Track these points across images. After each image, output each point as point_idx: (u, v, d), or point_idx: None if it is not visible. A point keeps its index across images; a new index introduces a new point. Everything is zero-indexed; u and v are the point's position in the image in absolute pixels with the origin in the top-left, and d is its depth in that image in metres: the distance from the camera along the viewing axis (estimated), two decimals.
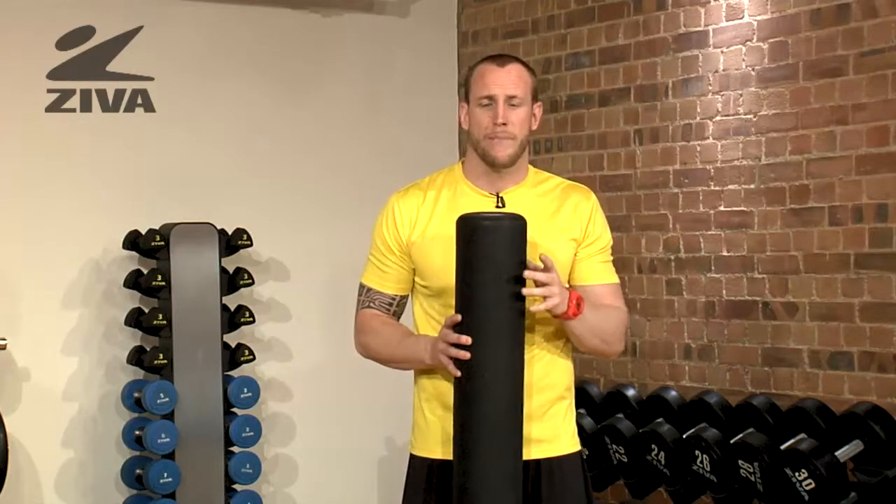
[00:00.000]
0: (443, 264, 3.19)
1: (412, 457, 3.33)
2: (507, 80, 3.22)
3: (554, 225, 3.26)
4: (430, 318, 3.28)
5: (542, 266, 3.07)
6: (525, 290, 3.04)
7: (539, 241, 3.20)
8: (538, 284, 3.07)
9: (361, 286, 3.37)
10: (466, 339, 3.04)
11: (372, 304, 3.34)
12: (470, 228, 3.06)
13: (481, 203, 3.26)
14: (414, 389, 3.34)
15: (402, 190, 3.36)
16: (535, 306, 3.07)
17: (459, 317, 3.06)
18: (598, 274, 3.30)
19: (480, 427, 3.05)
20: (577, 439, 3.33)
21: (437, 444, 3.26)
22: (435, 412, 3.26)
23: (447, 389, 3.20)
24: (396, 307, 3.35)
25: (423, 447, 3.30)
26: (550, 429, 3.24)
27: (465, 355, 3.05)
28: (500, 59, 3.29)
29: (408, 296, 3.36)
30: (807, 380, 4.96)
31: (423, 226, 3.27)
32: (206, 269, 5.53)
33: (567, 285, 3.26)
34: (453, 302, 3.13)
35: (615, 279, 3.34)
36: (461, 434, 3.09)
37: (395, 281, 3.32)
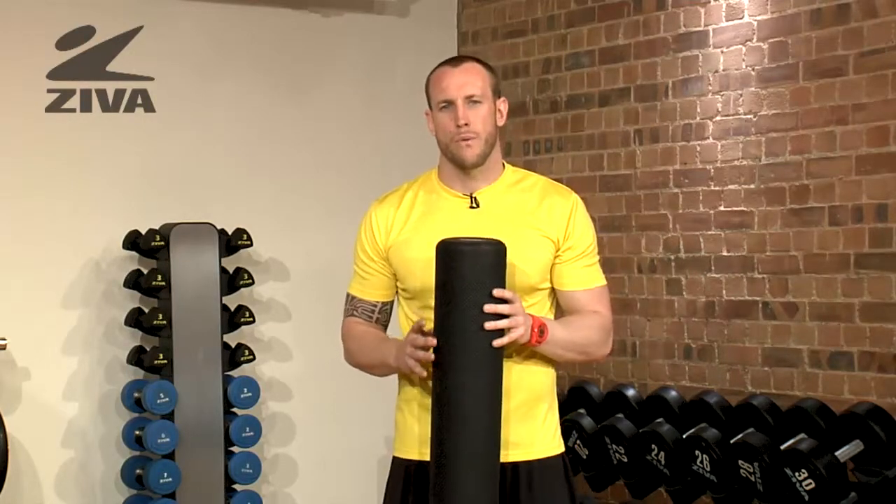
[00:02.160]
0: (418, 265, 3.20)
1: (393, 459, 3.34)
2: (463, 80, 3.22)
3: (529, 224, 3.23)
4: (410, 321, 3.27)
5: (505, 297, 3.04)
6: (489, 325, 3.02)
7: (513, 241, 3.17)
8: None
9: (347, 296, 3.41)
10: (432, 341, 3.05)
11: (355, 312, 3.37)
12: (448, 253, 3.05)
13: (455, 204, 3.26)
14: (397, 391, 3.35)
15: (380, 198, 3.37)
16: (497, 341, 3.04)
17: (424, 321, 3.08)
18: (581, 279, 3.27)
19: (458, 451, 3.05)
20: (558, 442, 3.31)
21: (415, 446, 3.26)
22: (413, 413, 3.26)
23: (424, 391, 3.22)
24: (379, 314, 3.36)
25: (402, 448, 3.31)
26: (528, 432, 3.22)
27: (430, 357, 3.06)
28: (455, 60, 3.31)
29: (391, 303, 3.36)
30: (807, 380, 4.96)
31: (399, 229, 3.27)
32: (206, 269, 5.53)
33: (549, 285, 3.26)
34: (431, 303, 3.14)
35: (600, 282, 3.30)
36: (437, 459, 3.09)
37: (376, 287, 3.33)
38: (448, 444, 3.06)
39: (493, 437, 3.08)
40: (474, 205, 3.25)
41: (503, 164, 3.33)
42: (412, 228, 3.25)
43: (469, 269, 3.03)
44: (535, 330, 3.10)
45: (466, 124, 3.19)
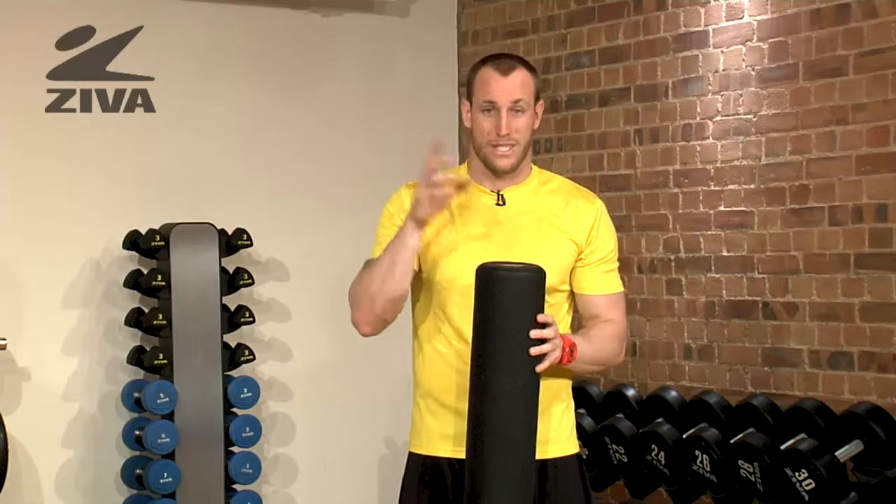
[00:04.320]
0: (442, 257, 3.21)
1: (409, 454, 3.34)
2: (512, 88, 3.20)
3: (555, 225, 3.25)
4: (426, 311, 3.27)
5: (546, 324, 3.05)
6: (534, 350, 3.03)
7: (537, 240, 3.21)
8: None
9: (365, 263, 3.30)
10: (448, 159, 3.07)
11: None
12: (489, 278, 3.04)
13: (483, 200, 3.26)
14: (413, 386, 3.35)
15: (411, 183, 3.33)
16: (540, 366, 3.05)
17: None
18: (600, 284, 3.29)
19: (499, 474, 3.05)
20: (574, 441, 3.33)
21: (430, 441, 3.27)
22: (430, 409, 3.27)
23: (441, 386, 3.23)
24: None
25: (418, 444, 3.31)
26: (546, 431, 3.22)
27: (453, 180, 3.07)
28: (504, 64, 3.24)
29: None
30: (807, 380, 4.96)
31: None
32: (206, 269, 5.53)
33: (568, 288, 3.27)
34: (451, 296, 3.17)
35: (618, 288, 3.33)
36: (473, 481, 3.08)
37: None
38: (490, 467, 3.05)
39: (531, 459, 3.09)
40: (501, 202, 3.26)
41: (530, 165, 3.34)
42: (439, 220, 3.24)
43: (511, 296, 3.02)
44: (567, 350, 3.12)
45: (508, 134, 3.20)
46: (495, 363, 3.03)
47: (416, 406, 3.32)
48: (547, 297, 3.18)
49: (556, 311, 3.22)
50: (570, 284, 3.29)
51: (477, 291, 3.06)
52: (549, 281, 3.18)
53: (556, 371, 3.23)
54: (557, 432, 3.27)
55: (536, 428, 3.09)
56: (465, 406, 3.11)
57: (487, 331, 3.04)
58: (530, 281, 3.05)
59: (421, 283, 3.29)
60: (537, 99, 3.27)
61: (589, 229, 3.27)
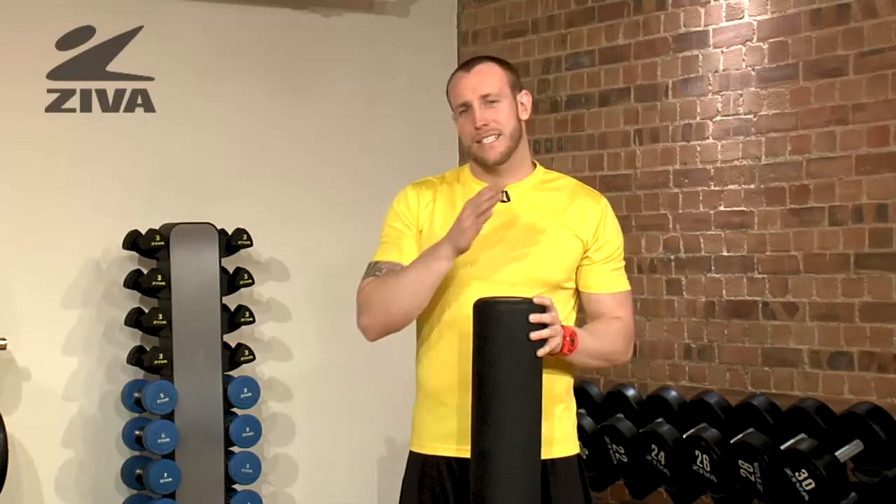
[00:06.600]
0: None
1: (410, 453, 3.34)
2: (478, 82, 3.21)
3: (560, 222, 3.25)
4: (432, 309, 3.24)
5: (544, 308, 3.06)
6: (534, 335, 3.04)
7: (544, 236, 3.21)
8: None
9: (370, 265, 3.31)
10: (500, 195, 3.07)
11: (378, 273, 3.27)
12: (477, 313, 3.07)
13: None
14: (416, 386, 3.35)
15: (416, 181, 3.35)
16: (540, 351, 3.05)
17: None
18: (606, 282, 3.29)
19: (501, 464, 3.05)
20: (575, 442, 3.32)
21: (430, 441, 3.27)
22: (431, 409, 3.27)
23: (444, 385, 3.23)
24: None
25: (418, 444, 3.31)
26: (547, 430, 3.20)
27: (498, 197, 3.07)
28: (469, 63, 3.29)
29: None
30: (807, 380, 4.96)
31: (429, 216, 3.27)
32: (206, 269, 5.53)
33: (573, 286, 3.27)
34: (453, 288, 3.17)
35: (624, 287, 3.32)
36: (480, 474, 3.09)
37: (406, 252, 3.26)
38: (493, 456, 3.05)
39: (535, 449, 3.09)
40: (506, 199, 3.25)
41: (534, 163, 3.34)
42: (442, 219, 3.25)
43: (507, 314, 3.05)
44: (567, 339, 3.12)
45: (485, 125, 3.20)
46: (495, 354, 3.03)
47: (419, 405, 3.32)
48: (551, 295, 3.18)
49: (561, 309, 3.20)
50: (576, 283, 3.28)
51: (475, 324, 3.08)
52: (555, 277, 3.20)
53: (557, 370, 3.23)
54: (558, 432, 3.26)
55: (541, 414, 3.08)
56: (466, 405, 3.11)
57: (486, 326, 3.04)
58: (524, 304, 3.06)
59: None
60: (516, 89, 3.27)
61: (595, 227, 3.27)
